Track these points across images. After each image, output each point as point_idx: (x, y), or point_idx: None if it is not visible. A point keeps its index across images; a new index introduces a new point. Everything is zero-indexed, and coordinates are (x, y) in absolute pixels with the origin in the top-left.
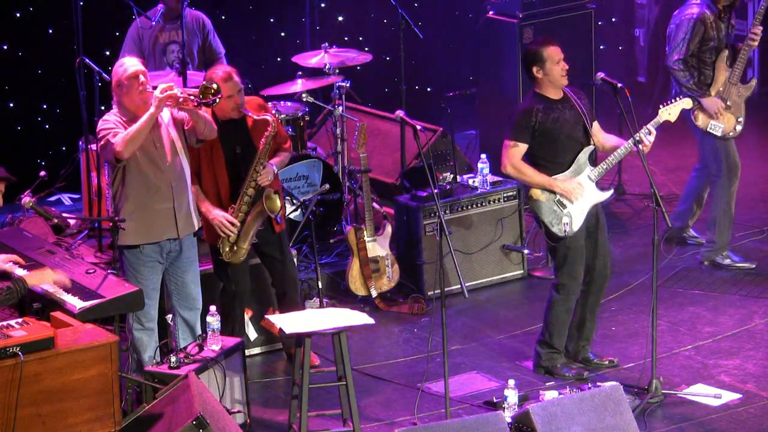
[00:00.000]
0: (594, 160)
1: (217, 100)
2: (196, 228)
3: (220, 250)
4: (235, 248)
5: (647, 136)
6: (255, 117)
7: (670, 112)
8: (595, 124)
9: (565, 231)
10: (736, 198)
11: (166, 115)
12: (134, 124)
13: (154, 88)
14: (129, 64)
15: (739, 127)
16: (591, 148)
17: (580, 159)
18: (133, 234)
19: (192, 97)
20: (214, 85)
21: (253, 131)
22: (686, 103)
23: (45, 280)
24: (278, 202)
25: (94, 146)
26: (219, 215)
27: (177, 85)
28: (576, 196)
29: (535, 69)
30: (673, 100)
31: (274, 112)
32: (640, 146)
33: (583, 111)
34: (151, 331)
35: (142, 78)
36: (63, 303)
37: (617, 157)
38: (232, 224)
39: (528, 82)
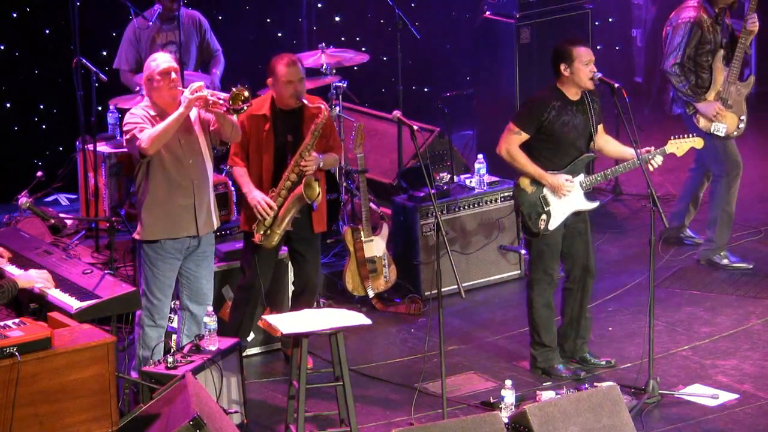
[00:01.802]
0: (590, 169)
1: (245, 107)
2: (216, 227)
3: (255, 232)
4: (269, 232)
5: (651, 160)
6: (309, 105)
7: (678, 147)
8: (600, 127)
9: (539, 227)
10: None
11: (193, 113)
12: (162, 122)
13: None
14: (162, 59)
15: (742, 126)
16: (591, 156)
17: (576, 164)
18: (153, 229)
19: (221, 101)
20: (246, 93)
21: (307, 123)
22: (697, 142)
23: (34, 281)
24: (317, 190)
25: (91, 146)
26: (258, 197)
27: (207, 87)
28: (564, 192)
29: (562, 66)
30: (684, 136)
31: None
32: (645, 162)
33: (593, 118)
34: (161, 329)
35: (173, 75)
36: (60, 303)
37: (614, 173)
38: (270, 207)
39: (526, 81)
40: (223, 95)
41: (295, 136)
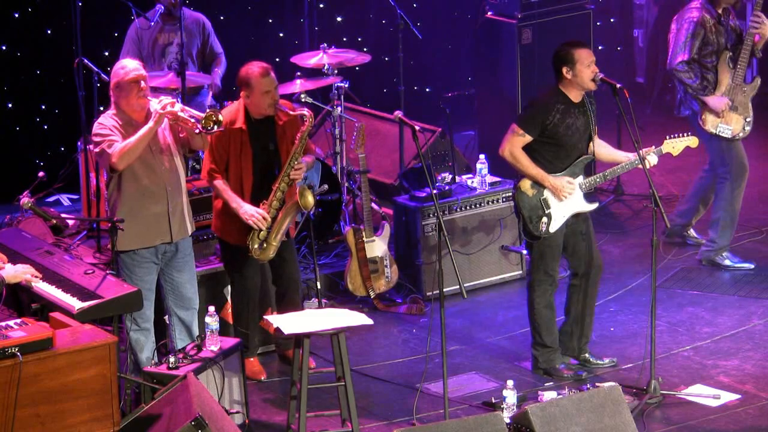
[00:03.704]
0: (591, 169)
1: (215, 129)
2: (190, 233)
3: (249, 246)
4: (265, 245)
5: (648, 158)
6: (291, 112)
7: (674, 146)
8: (595, 128)
9: (540, 230)
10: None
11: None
12: (131, 138)
13: (155, 90)
14: (130, 67)
15: (747, 128)
16: (590, 157)
17: (576, 166)
18: (126, 238)
19: (193, 120)
20: (219, 116)
21: (284, 129)
22: (693, 141)
23: (19, 276)
24: (311, 199)
25: (92, 147)
26: (251, 210)
27: (179, 102)
28: (565, 194)
29: (564, 69)
30: (679, 135)
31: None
32: (643, 160)
33: (592, 119)
34: (147, 332)
35: (142, 84)
36: (62, 304)
37: (613, 173)
38: (264, 218)
39: (527, 81)
40: (195, 114)
41: (275, 144)
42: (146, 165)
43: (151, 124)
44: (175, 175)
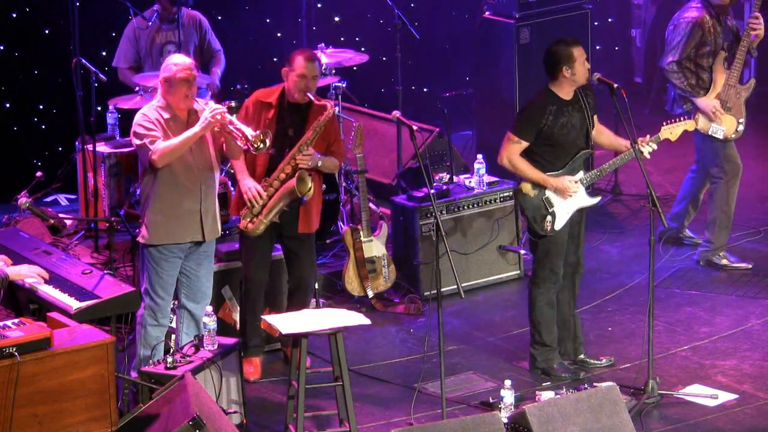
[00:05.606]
0: (590, 164)
1: (262, 148)
2: (220, 234)
3: (242, 218)
4: (255, 221)
5: (645, 147)
6: (316, 102)
7: (671, 131)
8: (594, 118)
9: (546, 229)
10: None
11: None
12: (175, 139)
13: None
14: (182, 66)
15: (740, 128)
16: (588, 152)
17: (575, 161)
18: (159, 234)
19: (240, 134)
20: (267, 141)
21: (312, 122)
22: (689, 125)
23: (23, 275)
24: (309, 185)
25: (90, 146)
26: (249, 183)
27: (203, 89)
28: (570, 194)
29: (564, 69)
30: (676, 120)
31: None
32: (640, 154)
33: (588, 112)
34: (164, 328)
35: (191, 84)
36: (59, 303)
37: (612, 166)
38: (260, 195)
39: (525, 81)
40: (244, 129)
41: (297, 131)
42: (183, 162)
43: (197, 129)
44: (210, 175)
